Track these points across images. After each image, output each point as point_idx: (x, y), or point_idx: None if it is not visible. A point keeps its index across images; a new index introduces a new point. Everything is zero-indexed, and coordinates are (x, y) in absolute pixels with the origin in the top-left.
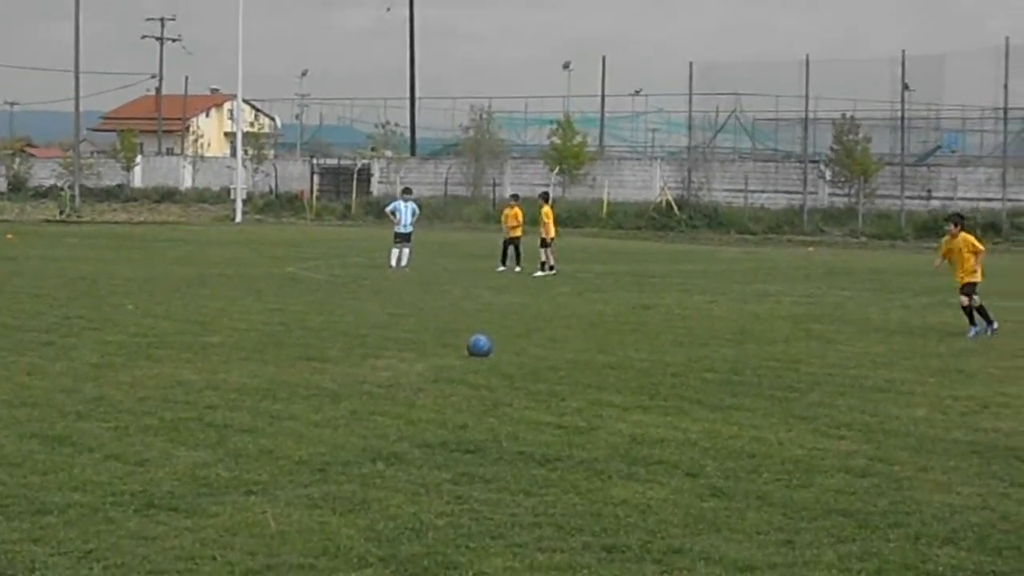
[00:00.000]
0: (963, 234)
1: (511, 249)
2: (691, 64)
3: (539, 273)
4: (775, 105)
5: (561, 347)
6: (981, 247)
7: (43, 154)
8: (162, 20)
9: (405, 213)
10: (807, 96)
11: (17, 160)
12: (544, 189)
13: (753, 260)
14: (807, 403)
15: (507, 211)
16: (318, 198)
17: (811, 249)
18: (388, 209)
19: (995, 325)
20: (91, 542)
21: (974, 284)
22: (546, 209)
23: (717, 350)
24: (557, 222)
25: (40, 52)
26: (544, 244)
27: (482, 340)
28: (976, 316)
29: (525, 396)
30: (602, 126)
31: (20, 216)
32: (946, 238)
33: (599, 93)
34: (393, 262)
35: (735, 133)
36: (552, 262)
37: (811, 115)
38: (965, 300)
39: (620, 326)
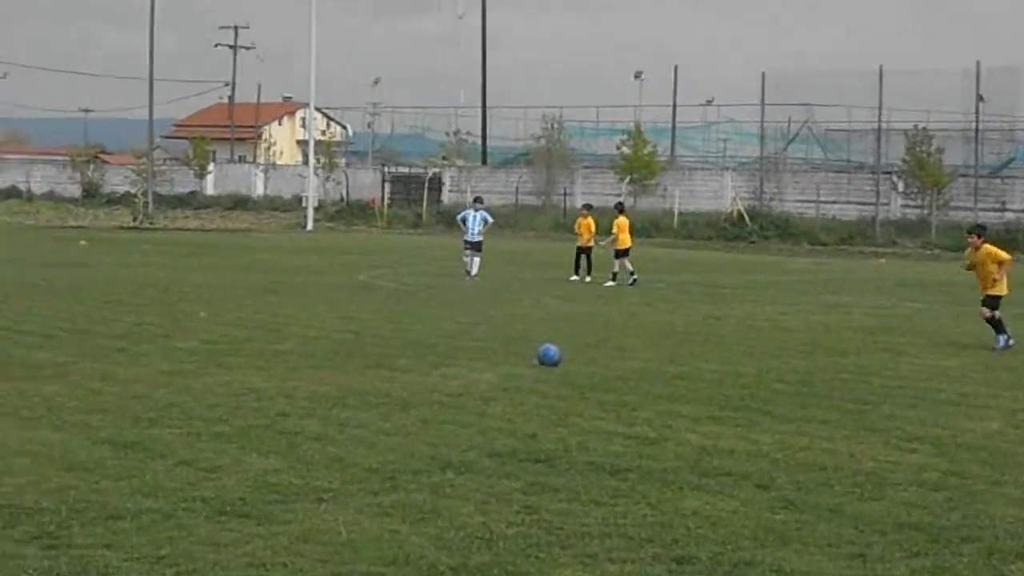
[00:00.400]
0: (986, 246)
1: (583, 258)
2: (763, 74)
3: (610, 283)
4: (847, 115)
5: (631, 357)
6: (1006, 256)
7: (117, 161)
8: (235, 28)
9: (473, 222)
10: (880, 107)
11: (91, 167)
12: (619, 199)
13: (824, 271)
14: (879, 415)
15: (580, 220)
16: (389, 206)
17: (883, 261)
18: (459, 217)
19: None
20: (163, 548)
21: (998, 297)
22: (620, 220)
23: (788, 361)
24: (633, 231)
25: (115, 60)
26: (618, 255)
27: (552, 350)
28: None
29: (595, 406)
30: (673, 136)
31: (94, 222)
32: (968, 250)
33: (670, 103)
34: (469, 269)
35: (807, 143)
36: (630, 268)
37: (884, 126)
38: (987, 312)
39: (690, 337)
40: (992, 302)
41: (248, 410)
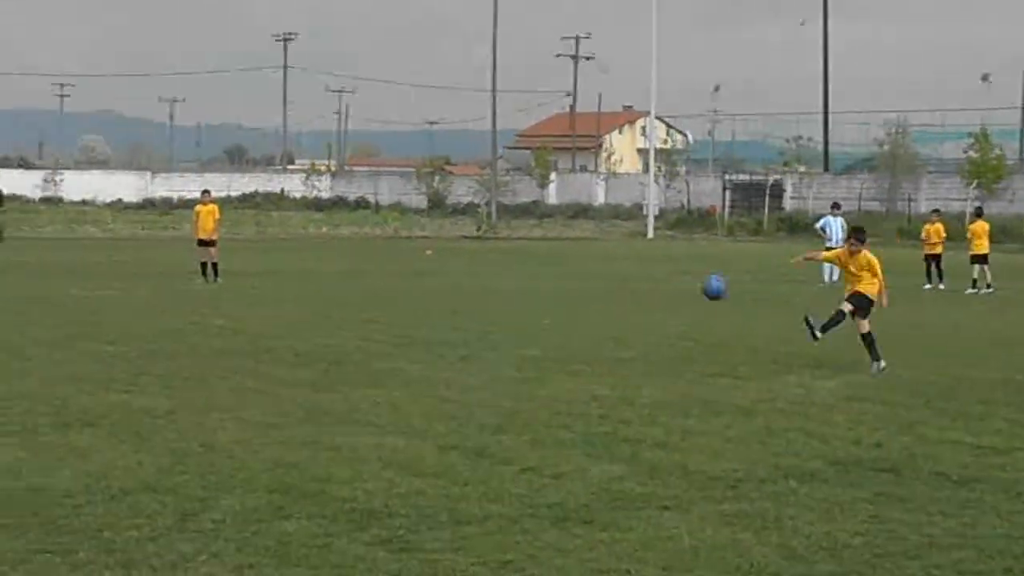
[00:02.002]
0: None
1: (934, 265)
2: None
3: (970, 291)
4: None
5: (980, 366)
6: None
7: (461, 172)
8: (576, 39)
9: (835, 228)
10: None
11: (436, 178)
12: (977, 205)
13: None
14: None
15: (928, 227)
16: (730, 214)
17: None
18: (818, 225)
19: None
20: (509, 553)
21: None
22: (976, 224)
23: None
24: (991, 237)
25: (460, 73)
26: (975, 260)
27: (715, 281)
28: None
29: (942, 415)
30: (1022, 139)
31: (439, 232)
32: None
33: (1019, 105)
34: (825, 278)
35: None
36: (989, 279)
37: None
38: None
39: None
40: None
41: (591, 417)
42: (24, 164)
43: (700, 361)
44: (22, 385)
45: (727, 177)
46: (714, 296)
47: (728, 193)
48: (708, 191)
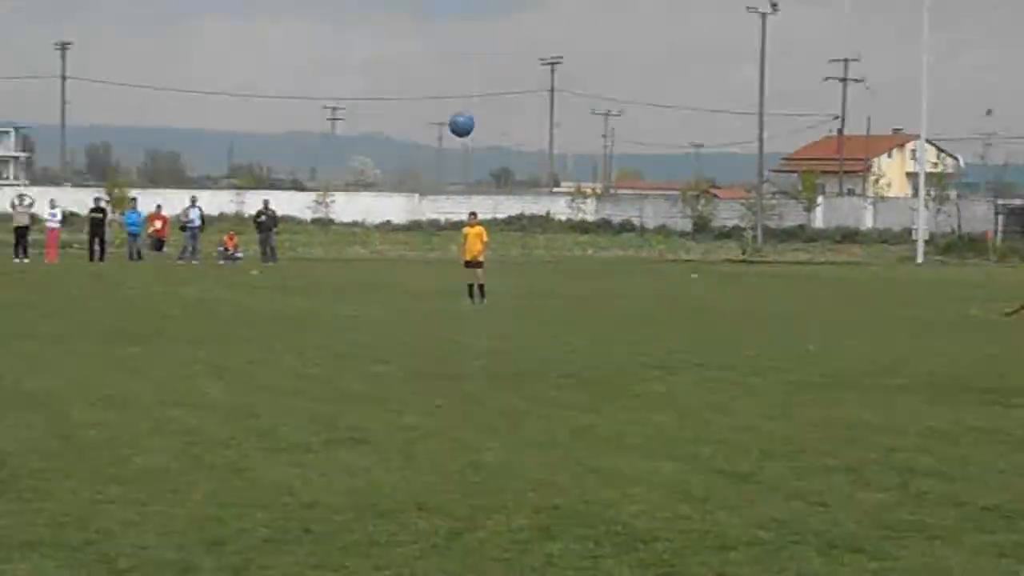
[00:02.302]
0: None
1: None
2: None
3: None
4: None
5: None
6: None
7: (726, 195)
8: (845, 61)
9: None
10: None
11: (702, 201)
12: None
13: None
14: None
15: None
16: (1002, 239)
17: None
18: None
19: None
20: None
21: None
22: None
23: None
24: None
25: (727, 95)
26: None
27: (460, 119)
28: None
29: None
30: None
31: (704, 256)
32: None
33: None
34: None
35: None
36: None
37: None
38: None
39: None
40: None
41: (859, 444)
42: (297, 186)
43: (972, 389)
44: (294, 403)
45: (999, 202)
46: (462, 132)
47: (1000, 218)
48: (979, 216)
